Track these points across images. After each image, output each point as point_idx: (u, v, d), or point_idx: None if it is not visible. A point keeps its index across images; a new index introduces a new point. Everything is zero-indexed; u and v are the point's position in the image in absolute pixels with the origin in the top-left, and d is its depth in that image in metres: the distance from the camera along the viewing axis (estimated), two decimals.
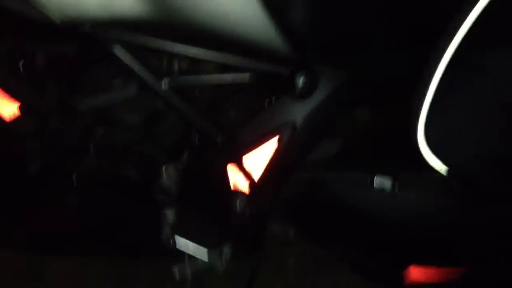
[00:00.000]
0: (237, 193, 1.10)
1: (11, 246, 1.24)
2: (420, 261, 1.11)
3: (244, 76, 1.04)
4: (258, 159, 1.08)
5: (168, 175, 1.11)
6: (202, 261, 1.19)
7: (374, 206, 1.06)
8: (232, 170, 1.09)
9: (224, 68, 1.04)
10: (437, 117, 0.80)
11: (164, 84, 1.04)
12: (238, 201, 1.10)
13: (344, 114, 1.09)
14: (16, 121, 1.03)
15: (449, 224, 1.06)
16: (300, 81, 1.03)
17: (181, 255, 1.20)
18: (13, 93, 1.00)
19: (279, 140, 1.05)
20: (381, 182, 0.97)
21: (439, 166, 0.85)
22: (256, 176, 1.08)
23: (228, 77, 1.04)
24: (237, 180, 1.10)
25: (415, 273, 1.11)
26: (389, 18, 0.91)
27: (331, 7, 0.95)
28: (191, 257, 1.19)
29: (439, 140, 0.83)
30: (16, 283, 1.46)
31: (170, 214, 1.15)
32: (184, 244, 1.18)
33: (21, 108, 1.03)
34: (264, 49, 1.00)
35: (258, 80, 1.04)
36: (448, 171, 0.84)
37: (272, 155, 1.06)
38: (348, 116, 1.11)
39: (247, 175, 1.08)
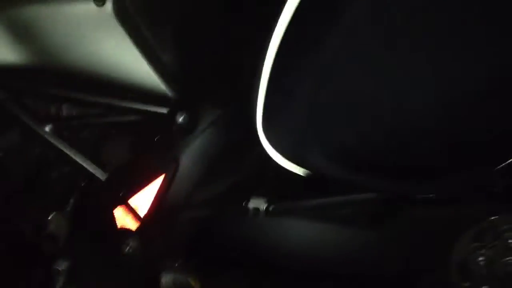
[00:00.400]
0: (126, 234, 1.11)
1: None
2: None
3: (127, 117, 1.09)
4: (145, 197, 1.10)
5: (55, 222, 1.11)
6: None
7: (254, 235, 1.07)
8: (119, 211, 1.10)
9: (108, 109, 1.09)
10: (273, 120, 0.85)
11: (48, 128, 1.08)
12: (127, 242, 1.11)
13: (233, 150, 1.14)
14: None
15: (325, 252, 1.07)
16: (180, 119, 1.08)
17: None
18: None
19: (164, 177, 1.08)
20: (255, 204, 1.00)
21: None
22: (144, 215, 1.09)
23: (111, 118, 1.09)
24: (125, 220, 1.11)
25: None
26: None
27: (199, 49, 1.04)
28: None
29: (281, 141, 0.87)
30: None
31: (59, 265, 1.13)
32: None
33: None
34: (144, 90, 1.06)
35: (140, 120, 1.09)
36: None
37: (158, 192, 1.09)
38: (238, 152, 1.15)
39: (135, 214, 1.10)
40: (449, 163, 0.88)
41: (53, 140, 1.07)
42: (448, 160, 0.88)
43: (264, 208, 0.99)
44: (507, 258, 1.04)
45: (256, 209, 0.99)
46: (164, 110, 1.06)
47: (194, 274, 1.19)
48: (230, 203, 1.09)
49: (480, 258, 1.05)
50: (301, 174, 0.95)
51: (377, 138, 0.83)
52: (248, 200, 1.00)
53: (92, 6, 0.95)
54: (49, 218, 1.10)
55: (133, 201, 1.10)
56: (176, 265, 1.18)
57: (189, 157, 1.09)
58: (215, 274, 1.18)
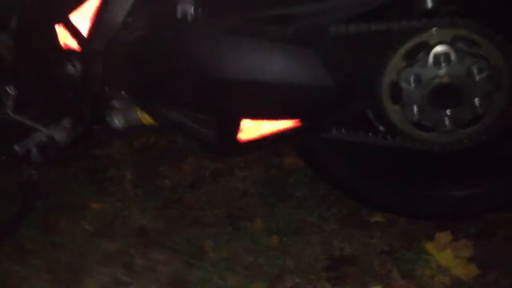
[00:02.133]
0: (70, 53, 1.14)
1: None
2: (251, 114, 1.13)
3: None
4: (84, 15, 1.12)
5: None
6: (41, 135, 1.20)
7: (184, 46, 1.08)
8: (61, 29, 1.13)
9: None
10: None
11: None
12: (71, 61, 1.14)
13: None
14: None
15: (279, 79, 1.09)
16: None
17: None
18: None
19: None
20: (183, 7, 1.01)
21: None
22: (84, 32, 1.12)
23: None
24: (67, 39, 1.14)
25: (249, 125, 1.14)
26: None
27: None
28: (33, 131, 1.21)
29: None
30: None
31: (6, 92, 1.17)
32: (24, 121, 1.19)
33: None
34: None
35: None
36: None
37: (96, 10, 1.11)
38: None
39: (77, 33, 1.12)
40: None
41: None
42: None
43: (192, 11, 1.01)
44: (436, 73, 1.06)
45: (184, 13, 1.01)
46: None
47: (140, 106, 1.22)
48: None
49: (411, 76, 1.07)
50: None
51: None
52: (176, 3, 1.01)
53: None
54: None
55: (74, 20, 1.12)
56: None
57: None
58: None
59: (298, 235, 1.30)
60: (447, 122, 1.09)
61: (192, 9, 1.01)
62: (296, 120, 1.11)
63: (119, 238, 1.30)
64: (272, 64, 1.06)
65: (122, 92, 1.19)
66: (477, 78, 1.04)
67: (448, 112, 1.09)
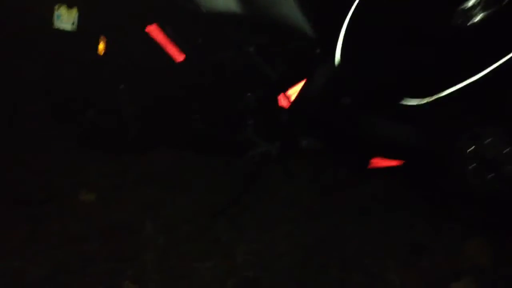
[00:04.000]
0: (283, 109, 2.12)
1: None
2: (379, 156, 2.03)
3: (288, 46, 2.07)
4: (294, 91, 2.09)
5: (250, 98, 2.16)
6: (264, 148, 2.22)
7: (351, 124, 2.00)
8: (282, 97, 2.12)
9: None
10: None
11: (252, 49, 2.10)
12: (283, 113, 2.12)
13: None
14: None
15: (395, 140, 1.97)
16: (317, 50, 2.02)
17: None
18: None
19: (304, 82, 2.06)
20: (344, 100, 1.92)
21: None
22: (292, 99, 2.09)
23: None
24: (283, 102, 2.12)
25: (375, 161, 2.03)
26: None
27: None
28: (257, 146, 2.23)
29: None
30: None
31: (248, 123, 2.20)
32: (255, 140, 2.22)
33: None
34: (297, 31, 2.02)
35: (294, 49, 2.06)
36: None
37: (299, 89, 2.07)
38: None
39: (288, 99, 2.10)
40: None
41: (257, 60, 2.10)
42: None
43: (348, 102, 1.92)
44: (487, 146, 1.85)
45: (343, 103, 1.92)
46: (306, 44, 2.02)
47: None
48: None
49: (472, 147, 1.86)
50: None
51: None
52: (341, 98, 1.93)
53: None
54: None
55: (288, 93, 2.10)
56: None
57: (320, 72, 2.04)
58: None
59: None
60: None
61: (349, 100, 1.92)
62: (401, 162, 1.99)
63: None
64: (392, 133, 1.94)
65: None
66: None
67: None
